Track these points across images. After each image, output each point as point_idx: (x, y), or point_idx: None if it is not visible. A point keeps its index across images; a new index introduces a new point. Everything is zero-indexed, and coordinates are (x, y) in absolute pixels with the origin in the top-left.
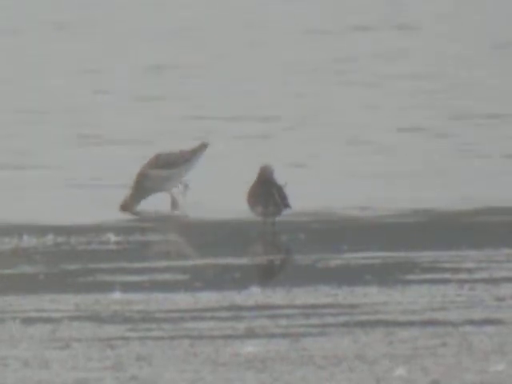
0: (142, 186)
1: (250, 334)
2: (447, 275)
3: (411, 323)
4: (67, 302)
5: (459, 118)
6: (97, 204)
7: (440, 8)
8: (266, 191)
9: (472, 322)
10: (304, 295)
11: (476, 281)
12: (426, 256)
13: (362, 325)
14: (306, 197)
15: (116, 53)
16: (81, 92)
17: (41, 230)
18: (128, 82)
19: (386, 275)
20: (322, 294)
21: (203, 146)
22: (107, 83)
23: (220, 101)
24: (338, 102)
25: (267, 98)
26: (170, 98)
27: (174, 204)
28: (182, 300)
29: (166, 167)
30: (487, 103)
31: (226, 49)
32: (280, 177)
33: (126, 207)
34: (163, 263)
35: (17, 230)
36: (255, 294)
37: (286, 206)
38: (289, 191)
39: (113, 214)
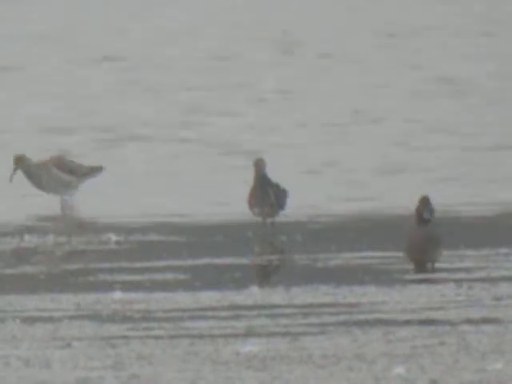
0: (39, 175)
1: (250, 334)
2: (445, 275)
3: (410, 322)
4: (68, 301)
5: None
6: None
7: None
8: (263, 192)
9: (470, 322)
10: (303, 294)
11: (474, 280)
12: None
13: (360, 324)
14: (307, 197)
15: None
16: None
17: (41, 230)
18: None
19: (384, 275)
20: (321, 294)
21: (98, 169)
22: None
23: None
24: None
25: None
26: None
27: (64, 208)
28: (182, 299)
29: (68, 173)
30: None
31: None
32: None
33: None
34: (163, 263)
35: (18, 230)
36: (255, 294)
37: (280, 207)
38: (291, 192)
39: (113, 214)
